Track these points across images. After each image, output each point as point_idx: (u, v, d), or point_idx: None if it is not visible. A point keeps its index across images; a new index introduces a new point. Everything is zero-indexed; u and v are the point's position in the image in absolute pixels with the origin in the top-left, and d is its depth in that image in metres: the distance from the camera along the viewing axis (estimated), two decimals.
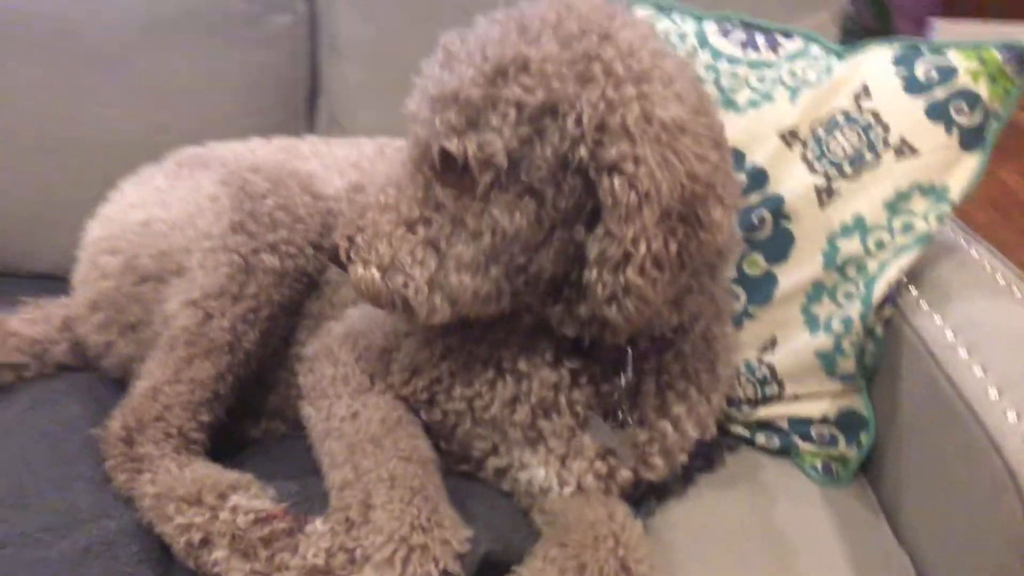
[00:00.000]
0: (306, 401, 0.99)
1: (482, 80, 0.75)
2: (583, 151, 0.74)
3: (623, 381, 0.88)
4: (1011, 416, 0.79)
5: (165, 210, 1.07)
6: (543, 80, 0.75)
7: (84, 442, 1.01)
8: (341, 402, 0.95)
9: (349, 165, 1.13)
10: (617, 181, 0.73)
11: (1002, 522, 0.75)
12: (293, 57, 1.43)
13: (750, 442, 1.07)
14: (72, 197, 1.21)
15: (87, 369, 1.16)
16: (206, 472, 0.93)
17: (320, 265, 1.07)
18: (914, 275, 1.01)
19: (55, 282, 1.22)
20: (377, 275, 0.81)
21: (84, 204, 1.16)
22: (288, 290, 1.04)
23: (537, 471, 0.92)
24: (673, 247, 0.75)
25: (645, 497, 0.96)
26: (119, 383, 1.13)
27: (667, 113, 0.74)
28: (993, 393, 0.82)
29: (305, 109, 1.46)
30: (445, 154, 0.77)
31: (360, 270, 0.82)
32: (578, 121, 0.74)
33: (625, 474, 0.91)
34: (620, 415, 0.89)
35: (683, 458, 0.94)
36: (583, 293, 0.79)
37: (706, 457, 1.00)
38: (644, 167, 0.73)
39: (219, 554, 0.84)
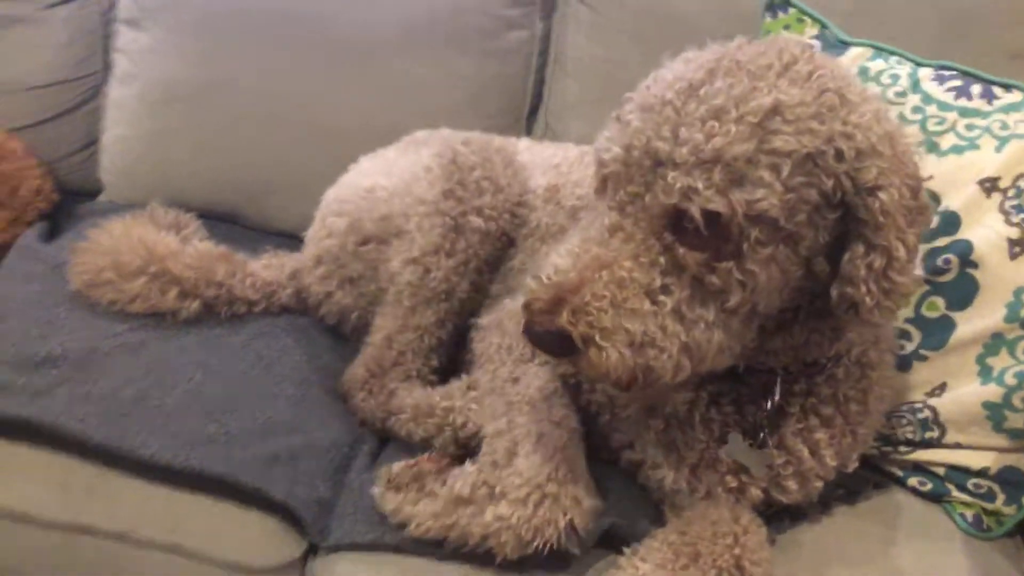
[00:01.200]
0: (476, 365, 1.10)
1: (748, 134, 0.73)
2: (846, 181, 0.75)
3: (768, 404, 0.91)
4: None
5: (388, 179, 1.22)
6: (803, 125, 0.74)
7: (290, 369, 1.19)
8: (505, 367, 1.04)
9: (551, 166, 1.24)
10: (884, 197, 0.75)
11: None
12: (523, 70, 1.56)
13: (902, 483, 1.05)
14: (319, 171, 1.37)
15: (307, 314, 1.33)
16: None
17: (515, 226, 1.18)
18: None
19: (295, 240, 1.40)
20: (628, 353, 0.76)
21: (328, 177, 1.33)
22: (491, 247, 1.16)
23: (668, 473, 0.96)
24: (914, 239, 0.77)
25: (778, 516, 0.97)
26: (331, 329, 1.31)
27: (890, 125, 0.78)
28: None
29: (526, 118, 1.59)
30: (685, 213, 0.74)
31: (611, 355, 0.76)
32: (838, 156, 0.75)
33: (756, 492, 0.94)
34: (760, 435, 0.92)
35: (818, 484, 0.95)
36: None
37: (849, 489, 1.00)
38: (896, 177, 0.76)
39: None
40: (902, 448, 1.04)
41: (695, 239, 0.75)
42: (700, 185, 0.72)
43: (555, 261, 0.80)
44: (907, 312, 1.06)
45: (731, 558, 0.85)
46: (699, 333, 0.77)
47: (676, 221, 0.75)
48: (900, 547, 0.95)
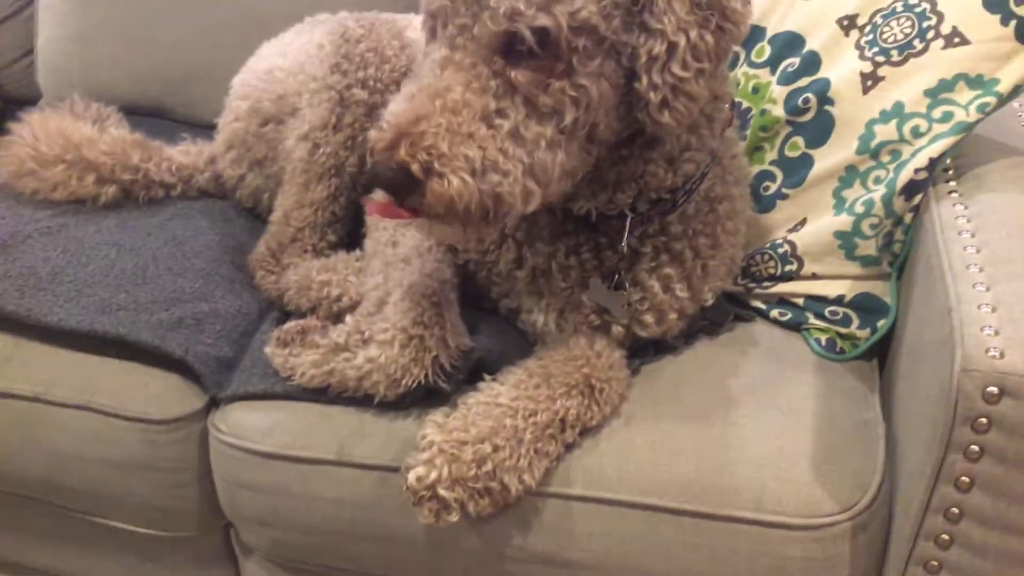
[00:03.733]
0: (366, 236, 1.15)
1: None
2: None
3: (622, 246, 0.95)
4: (980, 288, 0.79)
5: (284, 59, 1.26)
6: None
7: (203, 247, 1.24)
8: (387, 233, 1.09)
9: None
10: None
11: (940, 377, 0.76)
12: None
13: (765, 316, 1.10)
14: (241, 60, 1.37)
15: (224, 198, 1.38)
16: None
17: None
18: (959, 167, 0.99)
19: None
20: (470, 180, 0.76)
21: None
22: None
23: (538, 317, 1.02)
24: (708, 37, 0.79)
25: (644, 350, 1.03)
26: (248, 212, 1.36)
27: None
28: (974, 268, 0.82)
29: None
30: (515, 36, 0.76)
31: (452, 180, 0.75)
32: None
33: (618, 329, 0.99)
34: (617, 277, 0.97)
35: (674, 317, 1.00)
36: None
37: (712, 322, 1.05)
38: None
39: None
40: (765, 283, 1.09)
41: (526, 62, 0.77)
42: (522, 5, 0.75)
43: (391, 107, 0.82)
44: (771, 154, 1.09)
45: (581, 377, 0.91)
46: (541, 154, 0.78)
47: (507, 48, 0.77)
48: (751, 367, 1.00)
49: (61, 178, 1.30)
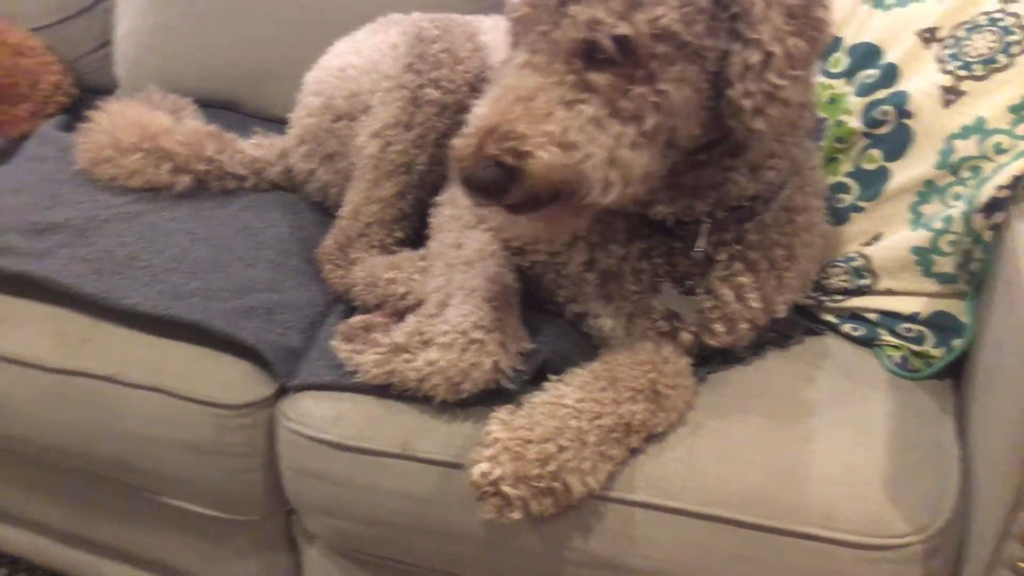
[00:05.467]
0: (430, 237, 1.15)
1: None
2: None
3: (696, 252, 0.95)
4: None
5: (357, 58, 1.27)
6: None
7: (273, 238, 1.27)
8: (451, 234, 1.10)
9: None
10: None
11: (1019, 400, 0.74)
12: None
13: (837, 330, 1.08)
14: (313, 58, 1.39)
15: (294, 191, 1.41)
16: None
17: (475, 100, 1.20)
18: None
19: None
20: (557, 151, 0.76)
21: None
22: (449, 120, 1.19)
23: (606, 320, 1.02)
24: (803, 45, 0.79)
25: (711, 359, 1.02)
26: (316, 205, 1.38)
27: None
28: None
29: None
30: (594, 44, 0.77)
31: (542, 155, 0.76)
32: None
33: (687, 336, 0.99)
34: (689, 283, 0.97)
35: (745, 327, 0.99)
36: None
37: (782, 333, 1.04)
38: None
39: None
40: (837, 297, 1.07)
41: (606, 68, 0.77)
42: (602, 14, 0.75)
43: (474, 112, 0.83)
44: (847, 166, 1.08)
45: (647, 381, 0.91)
46: (623, 151, 0.78)
47: (587, 54, 0.78)
48: (821, 381, 0.99)
49: (138, 166, 1.33)
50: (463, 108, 1.20)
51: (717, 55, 0.80)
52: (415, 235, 1.26)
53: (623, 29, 0.75)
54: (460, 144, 0.80)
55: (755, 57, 0.78)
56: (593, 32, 0.76)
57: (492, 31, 1.29)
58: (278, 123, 1.56)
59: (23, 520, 1.37)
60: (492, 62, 1.23)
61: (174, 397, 1.07)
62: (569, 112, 0.77)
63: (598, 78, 0.77)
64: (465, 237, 1.08)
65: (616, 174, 0.79)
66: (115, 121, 1.36)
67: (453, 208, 1.13)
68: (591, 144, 0.77)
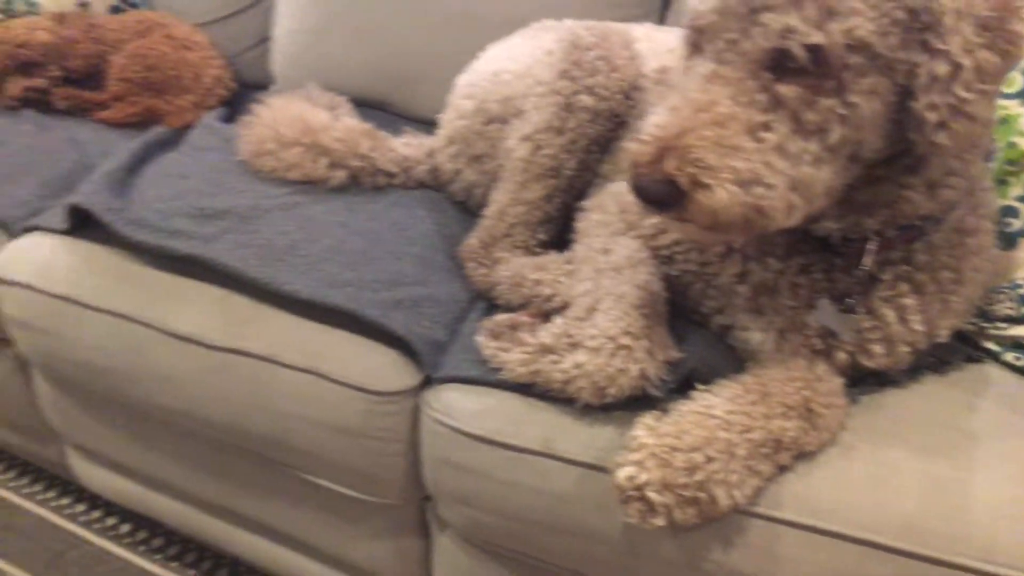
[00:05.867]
0: (577, 241, 1.17)
1: None
2: None
3: (860, 270, 0.92)
4: None
5: (512, 63, 1.30)
6: None
7: (420, 234, 1.31)
8: (599, 240, 1.11)
9: (666, 50, 1.27)
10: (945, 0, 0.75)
11: None
12: None
13: (998, 358, 1.04)
14: (462, 60, 1.44)
15: (440, 190, 1.45)
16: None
17: (628, 108, 1.22)
18: None
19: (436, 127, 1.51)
20: (737, 191, 0.76)
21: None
22: (601, 127, 1.21)
23: (755, 335, 1.01)
24: (994, 59, 0.76)
25: (865, 380, 1.00)
26: (460, 204, 1.42)
27: None
28: None
29: (660, 9, 1.61)
30: (785, 52, 0.76)
31: (719, 192, 0.76)
32: None
33: (842, 356, 0.97)
34: (849, 301, 0.94)
35: (905, 350, 0.96)
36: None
37: (940, 359, 1.01)
38: None
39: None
40: (1000, 324, 1.03)
41: (795, 78, 0.76)
42: (797, 23, 0.74)
43: (654, 119, 0.82)
44: (1017, 189, 1.04)
45: (800, 399, 0.90)
46: (806, 168, 0.77)
47: (776, 63, 0.77)
48: (982, 413, 0.96)
49: (297, 160, 1.39)
50: (616, 115, 1.22)
51: (907, 67, 0.78)
52: (557, 238, 1.29)
53: (817, 38, 0.74)
54: (636, 150, 0.80)
55: (943, 69, 0.76)
56: (785, 41, 0.75)
57: (645, 39, 1.31)
58: (425, 123, 1.62)
59: (172, 488, 1.46)
60: (646, 70, 1.24)
61: (326, 380, 1.12)
62: (756, 143, 0.76)
63: (787, 90, 0.76)
64: (613, 243, 1.09)
65: (798, 196, 0.78)
66: (277, 116, 1.43)
67: (601, 213, 1.14)
68: (773, 176, 0.77)
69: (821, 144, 0.78)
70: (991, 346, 1.06)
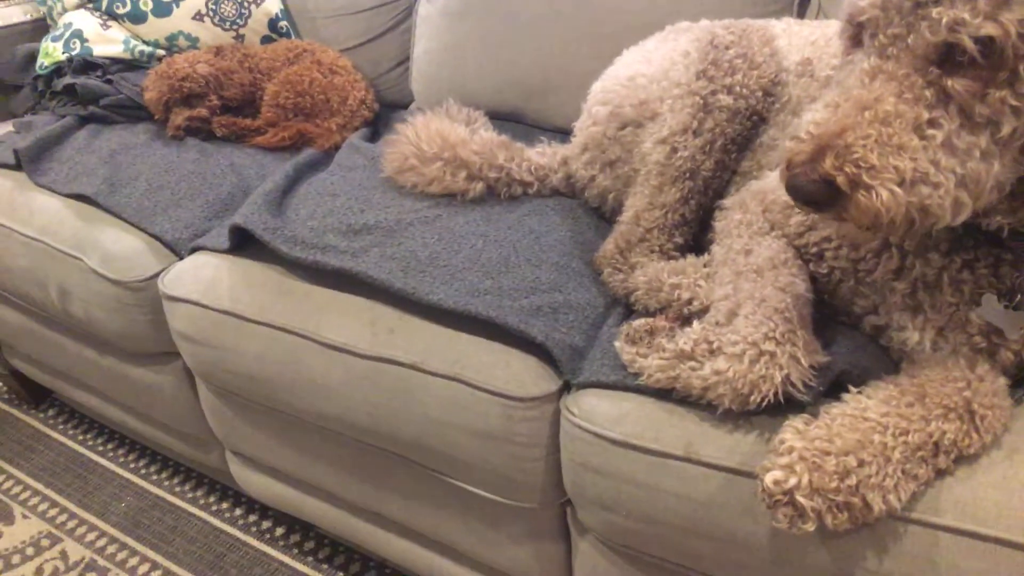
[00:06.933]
0: (716, 241, 1.16)
1: None
2: None
3: None
4: None
5: (647, 66, 1.31)
6: None
7: (556, 241, 1.33)
8: (740, 240, 1.09)
9: (808, 43, 1.24)
10: None
11: None
12: None
13: None
14: (593, 70, 1.46)
15: (574, 197, 1.47)
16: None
17: (768, 105, 1.20)
18: None
19: (569, 136, 1.52)
20: (899, 192, 0.73)
21: (600, 75, 1.44)
22: (739, 125, 1.20)
23: (912, 334, 0.96)
24: None
25: None
26: (593, 210, 1.43)
27: None
28: None
29: (798, 3, 1.57)
30: (954, 46, 0.73)
31: (881, 193, 0.73)
32: None
33: (1007, 354, 0.92)
34: (1019, 297, 0.90)
35: None
36: None
37: None
38: None
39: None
40: None
41: (964, 71, 0.73)
42: (967, 15, 0.71)
43: (812, 116, 0.80)
44: None
45: (961, 400, 0.86)
46: (973, 164, 0.74)
47: (943, 57, 0.74)
48: None
49: (437, 174, 1.44)
50: (755, 113, 1.20)
51: None
52: (694, 241, 1.28)
53: (990, 30, 0.71)
54: (792, 148, 0.79)
55: None
56: (955, 34, 0.72)
57: (785, 35, 1.28)
58: (559, 132, 1.65)
59: (323, 492, 1.53)
60: (787, 64, 1.22)
61: (469, 387, 1.15)
62: (921, 141, 0.74)
63: (957, 84, 0.73)
64: (755, 244, 1.07)
65: (966, 194, 0.75)
66: (418, 133, 1.49)
67: (743, 213, 1.13)
68: (940, 174, 0.74)
69: (991, 138, 0.74)
70: None
